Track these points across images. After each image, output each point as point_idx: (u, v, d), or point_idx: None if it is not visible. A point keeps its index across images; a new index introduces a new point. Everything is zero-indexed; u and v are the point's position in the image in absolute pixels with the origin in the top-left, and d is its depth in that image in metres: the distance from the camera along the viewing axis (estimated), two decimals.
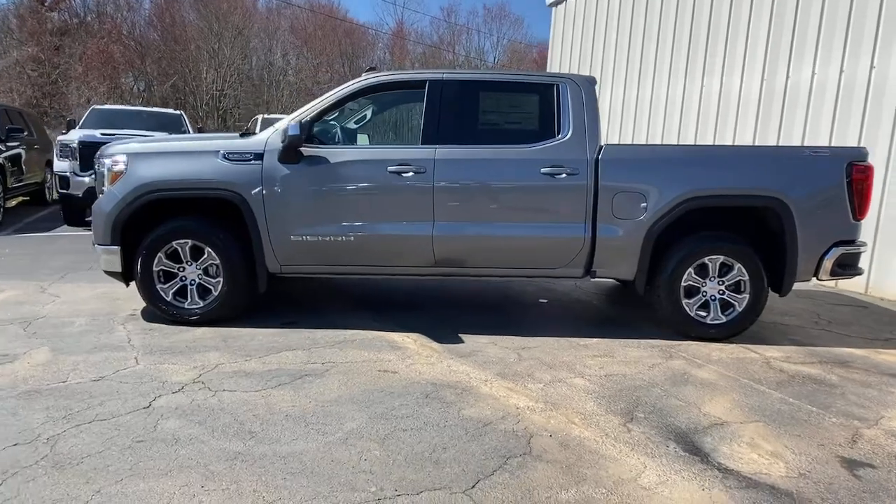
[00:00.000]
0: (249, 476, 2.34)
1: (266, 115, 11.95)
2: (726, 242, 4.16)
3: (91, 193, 8.87)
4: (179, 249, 4.18)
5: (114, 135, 9.05)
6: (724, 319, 4.23)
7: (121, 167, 4.15)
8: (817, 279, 4.26)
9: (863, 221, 4.20)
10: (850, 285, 6.10)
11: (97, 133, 9.02)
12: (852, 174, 4.08)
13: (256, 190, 4.09)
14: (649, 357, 3.92)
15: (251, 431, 2.70)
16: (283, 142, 4.01)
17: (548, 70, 12.03)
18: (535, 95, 4.32)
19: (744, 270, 4.15)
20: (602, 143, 4.17)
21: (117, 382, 3.19)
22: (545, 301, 5.45)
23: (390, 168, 4.10)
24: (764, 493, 2.36)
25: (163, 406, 2.92)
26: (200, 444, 2.57)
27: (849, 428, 2.99)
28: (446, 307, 5.09)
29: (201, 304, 4.23)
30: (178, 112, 11.71)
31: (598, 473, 2.46)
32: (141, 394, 3.06)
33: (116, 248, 4.17)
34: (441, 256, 4.21)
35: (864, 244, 4.25)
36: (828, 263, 4.17)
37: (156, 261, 4.17)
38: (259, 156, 4.12)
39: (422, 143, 4.16)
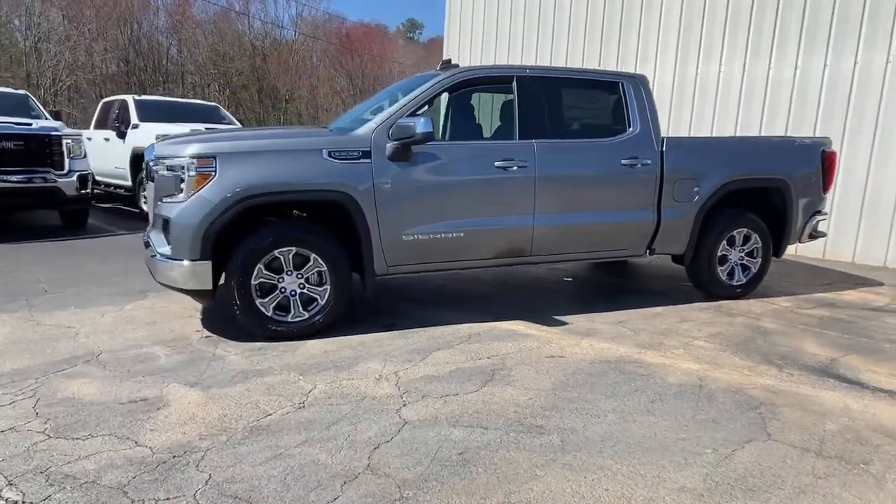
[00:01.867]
0: (603, 460, 2.47)
1: (137, 97, 10.41)
2: (748, 217, 5.08)
3: None
4: (282, 258, 3.81)
5: None
6: (744, 280, 5.19)
7: (209, 170, 3.63)
8: (799, 242, 5.43)
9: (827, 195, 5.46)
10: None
11: None
12: (823, 158, 5.27)
13: (366, 189, 3.91)
14: (715, 317, 4.68)
15: (538, 426, 2.78)
16: (404, 139, 3.88)
17: (444, 56, 12.37)
18: (605, 92, 4.76)
19: (758, 239, 5.13)
20: (663, 136, 4.77)
21: (327, 406, 2.94)
22: (570, 279, 5.97)
23: (497, 163, 4.22)
24: None
25: (417, 419, 2.81)
26: (515, 444, 2.59)
27: None
28: (507, 294, 5.29)
29: (306, 315, 3.92)
30: (22, 92, 9.65)
31: (824, 408, 3.06)
32: (374, 411, 2.88)
33: (207, 263, 3.67)
34: (537, 246, 4.46)
35: (827, 213, 5.52)
36: (808, 230, 5.35)
37: (255, 273, 3.76)
38: (366, 153, 3.93)
39: (520, 138, 4.34)
